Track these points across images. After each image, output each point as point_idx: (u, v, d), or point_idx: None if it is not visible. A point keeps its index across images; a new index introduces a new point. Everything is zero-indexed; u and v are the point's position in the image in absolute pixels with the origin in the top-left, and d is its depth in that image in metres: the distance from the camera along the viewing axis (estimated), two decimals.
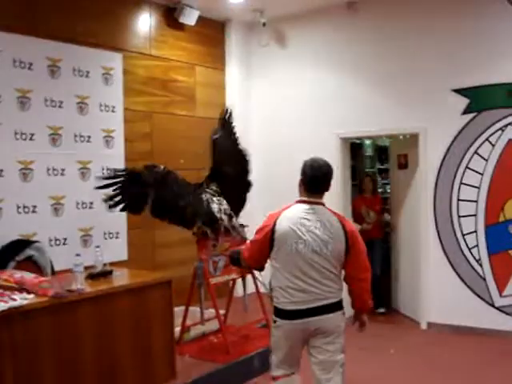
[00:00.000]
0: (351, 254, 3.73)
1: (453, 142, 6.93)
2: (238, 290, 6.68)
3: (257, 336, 6.20)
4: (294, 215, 3.72)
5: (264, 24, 8.02)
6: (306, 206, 3.75)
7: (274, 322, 3.81)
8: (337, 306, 3.73)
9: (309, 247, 3.66)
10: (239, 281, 6.39)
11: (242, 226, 6.10)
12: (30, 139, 6.00)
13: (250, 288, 6.39)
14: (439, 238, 7.06)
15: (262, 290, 5.94)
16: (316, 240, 3.65)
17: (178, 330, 5.68)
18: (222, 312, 5.99)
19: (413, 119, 7.18)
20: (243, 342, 6.00)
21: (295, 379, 3.90)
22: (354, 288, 3.84)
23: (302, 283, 3.67)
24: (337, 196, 7.78)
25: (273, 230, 3.71)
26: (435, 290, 7.10)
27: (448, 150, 6.97)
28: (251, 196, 6.58)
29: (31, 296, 4.14)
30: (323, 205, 3.80)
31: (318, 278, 3.67)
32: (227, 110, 6.49)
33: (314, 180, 3.82)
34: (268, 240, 3.73)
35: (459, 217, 6.96)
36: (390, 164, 8.58)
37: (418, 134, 7.19)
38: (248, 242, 4.13)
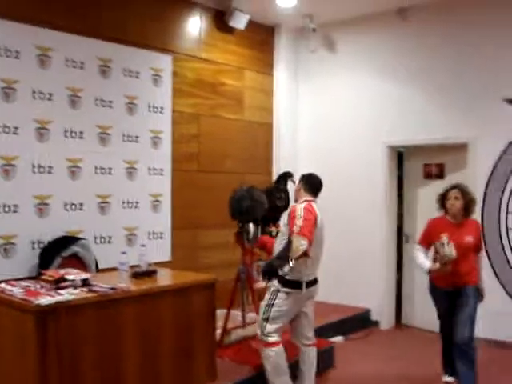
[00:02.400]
0: None
1: (504, 151, 6.80)
2: None
3: None
4: (315, 207, 5.06)
5: (314, 29, 7.97)
6: (315, 205, 5.12)
7: (288, 293, 4.93)
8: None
9: (320, 235, 5.11)
10: None
11: None
12: (80, 137, 6.06)
13: None
14: (486, 251, 6.91)
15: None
16: (322, 230, 5.12)
17: (218, 332, 5.65)
18: None
19: (462, 128, 7.07)
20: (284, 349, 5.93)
21: None
22: None
23: (313, 261, 5.03)
24: (382, 207, 7.73)
25: (316, 218, 4.96)
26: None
27: (499, 159, 6.83)
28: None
29: (77, 291, 4.17)
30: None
31: (319, 258, 5.20)
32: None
33: (318, 187, 5.31)
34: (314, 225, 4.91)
35: (508, 230, 6.82)
36: (405, 174, 8.07)
37: (467, 143, 7.07)
38: (301, 229, 4.78)
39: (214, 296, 5.04)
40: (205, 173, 7.31)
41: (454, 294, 5.35)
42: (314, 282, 5.16)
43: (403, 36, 7.54)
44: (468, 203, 5.35)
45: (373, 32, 7.84)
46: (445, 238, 5.13)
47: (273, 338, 5.01)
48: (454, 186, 5.48)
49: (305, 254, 4.71)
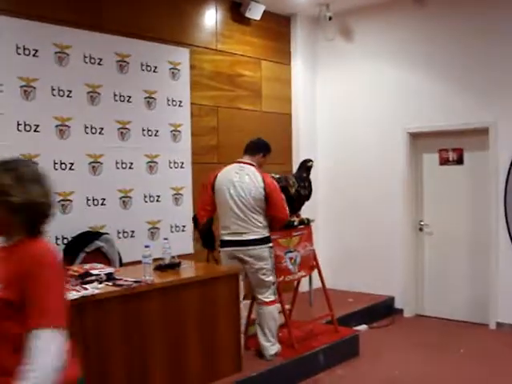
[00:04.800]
0: (269, 201, 5.28)
1: None
2: (303, 286, 6.63)
3: (322, 332, 6.15)
4: (228, 170, 5.41)
5: (330, 18, 7.92)
6: (237, 165, 5.43)
7: (219, 251, 5.51)
8: (260, 242, 5.29)
9: (237, 192, 5.25)
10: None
11: (309, 220, 6.07)
12: (100, 133, 6.10)
13: (316, 283, 6.36)
14: (510, 235, 6.86)
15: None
16: (242, 187, 5.25)
17: (243, 323, 5.67)
18: (287, 307, 5.95)
19: (482, 113, 7.01)
20: (308, 338, 5.96)
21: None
22: (273, 220, 5.44)
23: (233, 220, 5.28)
24: (404, 194, 7.70)
25: (214, 182, 5.39)
26: (505, 289, 6.92)
27: None
28: (318, 191, 6.54)
29: (102, 285, 4.21)
30: (253, 166, 5.40)
31: (243, 217, 5.25)
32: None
33: (246, 147, 5.59)
34: (211, 189, 5.40)
35: None
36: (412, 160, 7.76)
37: (487, 128, 7.00)
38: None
39: (237, 287, 5.08)
40: (224, 165, 7.28)
41: None
42: (241, 243, 5.30)
43: (421, 22, 7.47)
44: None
45: (390, 19, 7.78)
46: None
47: None
48: None
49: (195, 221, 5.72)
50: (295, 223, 5.87)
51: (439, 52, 7.31)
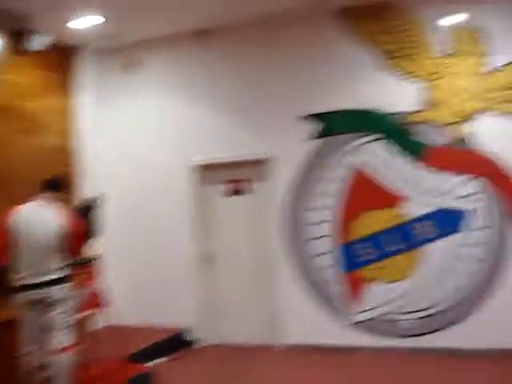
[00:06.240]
0: (69, 240, 5.11)
1: (301, 166, 7.23)
2: (95, 324, 6.41)
3: (114, 370, 5.94)
4: (27, 209, 5.10)
5: (117, 50, 7.87)
6: (36, 203, 5.17)
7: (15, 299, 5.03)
8: (60, 281, 5.07)
9: (32, 233, 4.99)
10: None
11: (90, 258, 5.99)
12: None
13: (108, 321, 6.19)
14: (291, 261, 7.26)
15: None
16: (37, 227, 5.00)
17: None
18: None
19: (263, 145, 7.40)
20: (100, 378, 5.71)
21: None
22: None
23: (30, 261, 4.98)
24: (189, 230, 7.85)
25: (9, 221, 5.02)
26: (291, 311, 7.24)
27: (297, 174, 7.26)
28: (108, 227, 6.39)
29: None
30: (54, 203, 5.19)
31: (41, 258, 4.99)
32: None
33: (44, 183, 5.29)
34: (5, 232, 5.01)
35: (310, 240, 7.21)
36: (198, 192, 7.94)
37: (266, 160, 7.40)
38: None
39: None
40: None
41: None
42: (40, 285, 5.03)
43: (205, 57, 7.72)
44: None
45: (173, 52, 7.96)
46: None
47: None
48: None
49: None
50: (78, 262, 5.68)
51: (221, 87, 7.60)
